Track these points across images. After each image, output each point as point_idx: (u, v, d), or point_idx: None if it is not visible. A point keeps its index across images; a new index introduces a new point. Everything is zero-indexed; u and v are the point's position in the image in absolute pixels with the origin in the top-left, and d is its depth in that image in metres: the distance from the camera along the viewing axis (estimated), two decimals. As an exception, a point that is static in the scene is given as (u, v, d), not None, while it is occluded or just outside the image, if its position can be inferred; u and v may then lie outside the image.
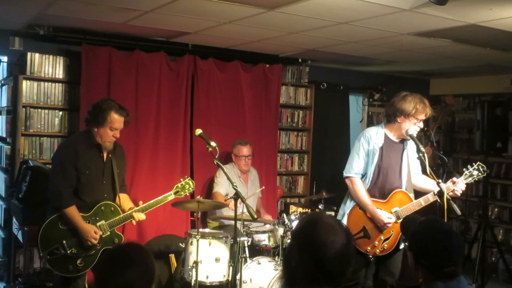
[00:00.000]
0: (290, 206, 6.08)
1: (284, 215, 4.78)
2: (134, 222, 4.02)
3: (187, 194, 4.22)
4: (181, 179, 4.20)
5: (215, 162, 3.96)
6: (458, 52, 5.54)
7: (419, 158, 3.89)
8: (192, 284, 4.19)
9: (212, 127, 5.77)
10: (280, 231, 4.66)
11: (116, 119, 3.85)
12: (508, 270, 6.04)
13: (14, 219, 4.97)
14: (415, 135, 3.97)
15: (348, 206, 4.15)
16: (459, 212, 3.78)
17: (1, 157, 5.58)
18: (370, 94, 7.26)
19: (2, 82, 5.66)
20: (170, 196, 4.12)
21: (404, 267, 4.79)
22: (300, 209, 5.86)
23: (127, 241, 4.15)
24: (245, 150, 5.41)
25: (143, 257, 1.98)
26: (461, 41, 5.01)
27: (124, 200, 4.12)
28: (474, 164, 4.06)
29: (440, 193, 3.75)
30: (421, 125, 4.02)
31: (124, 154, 4.22)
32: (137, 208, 4.01)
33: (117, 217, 3.96)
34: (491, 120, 6.07)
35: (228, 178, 4.03)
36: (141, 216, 3.99)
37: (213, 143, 3.90)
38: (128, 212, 3.99)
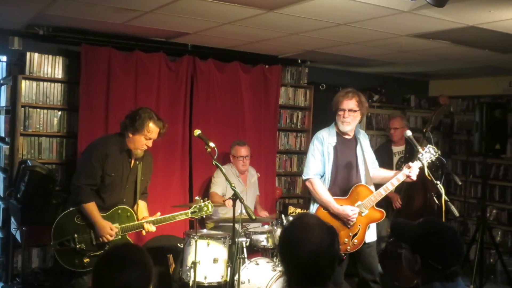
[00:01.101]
0: (289, 207, 6.07)
1: (283, 215, 4.79)
2: (144, 232, 4.08)
3: (204, 216, 4.27)
4: (202, 200, 4.20)
5: (213, 163, 3.96)
6: (457, 53, 5.54)
7: (418, 159, 3.90)
8: (190, 284, 4.19)
9: (211, 127, 5.77)
10: (279, 231, 4.65)
11: (153, 129, 3.97)
12: (506, 271, 6.04)
13: (12, 219, 4.97)
14: (409, 134, 3.98)
15: (311, 210, 4.17)
16: (457, 213, 3.79)
17: (0, 157, 5.58)
18: (369, 95, 7.24)
19: (1, 81, 5.66)
20: (187, 214, 4.15)
21: (400, 269, 4.78)
22: (298, 210, 5.85)
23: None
24: (243, 151, 5.41)
25: (140, 257, 1.99)
26: (460, 43, 5.01)
27: (141, 208, 4.18)
28: (425, 147, 4.01)
29: (439, 195, 3.75)
30: (347, 115, 4.03)
31: (152, 162, 4.29)
32: (150, 219, 4.06)
33: (131, 223, 4.03)
34: (490, 122, 6.07)
35: (227, 179, 4.02)
36: (151, 228, 4.04)
37: (211, 144, 3.91)
38: (140, 221, 4.05)
